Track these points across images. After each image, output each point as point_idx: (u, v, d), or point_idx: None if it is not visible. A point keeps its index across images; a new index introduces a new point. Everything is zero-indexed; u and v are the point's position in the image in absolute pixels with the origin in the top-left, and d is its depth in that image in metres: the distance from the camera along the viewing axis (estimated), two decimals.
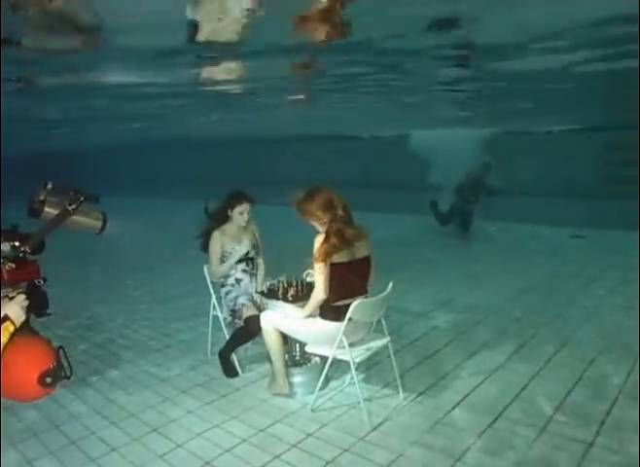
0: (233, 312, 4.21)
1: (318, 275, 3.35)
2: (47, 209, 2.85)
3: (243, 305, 4.14)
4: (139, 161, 18.96)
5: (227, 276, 4.27)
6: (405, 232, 10.80)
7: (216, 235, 4.20)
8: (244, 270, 4.30)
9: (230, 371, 4.23)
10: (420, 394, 3.82)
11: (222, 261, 4.23)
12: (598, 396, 3.71)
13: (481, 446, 3.16)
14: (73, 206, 2.84)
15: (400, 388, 3.79)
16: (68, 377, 3.24)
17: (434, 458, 3.04)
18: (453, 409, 3.60)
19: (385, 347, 3.77)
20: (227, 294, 4.29)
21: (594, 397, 3.70)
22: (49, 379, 3.11)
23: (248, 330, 4.00)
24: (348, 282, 3.41)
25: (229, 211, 4.21)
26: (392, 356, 3.79)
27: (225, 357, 4.23)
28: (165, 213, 13.38)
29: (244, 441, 3.28)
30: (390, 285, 3.58)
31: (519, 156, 11.40)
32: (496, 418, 3.45)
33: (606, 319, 5.31)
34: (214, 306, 4.42)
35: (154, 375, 4.32)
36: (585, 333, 4.95)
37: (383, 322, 3.71)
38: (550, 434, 3.25)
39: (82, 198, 2.87)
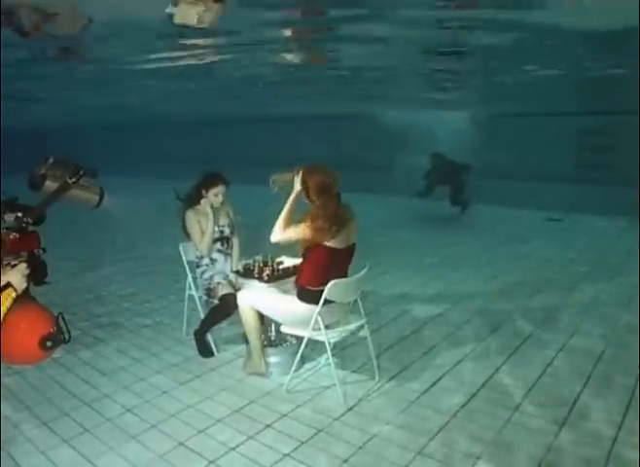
0: (209, 291, 4.18)
1: (294, 233, 3.36)
2: (47, 183, 2.94)
3: (218, 283, 4.12)
4: (118, 140, 18.64)
5: (201, 256, 4.22)
6: (382, 213, 10.83)
7: (191, 214, 4.14)
8: (219, 250, 4.26)
9: (205, 351, 4.21)
10: (396, 375, 3.84)
11: None
12: (570, 380, 3.77)
13: (455, 425, 3.19)
14: (73, 180, 2.93)
15: (376, 369, 3.80)
16: (67, 341, 3.33)
17: (408, 438, 3.06)
18: (428, 389, 3.62)
19: (361, 329, 3.77)
20: (202, 273, 4.25)
21: (565, 380, 3.76)
22: (49, 343, 3.22)
23: (223, 308, 3.99)
24: (336, 268, 3.40)
25: (203, 192, 4.16)
26: (368, 337, 3.80)
27: (200, 337, 4.20)
28: (144, 192, 13.25)
29: (218, 421, 3.26)
30: (366, 267, 3.58)
31: (497, 139, 11.45)
32: (470, 399, 3.49)
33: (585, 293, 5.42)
34: (190, 286, 4.38)
35: (128, 355, 4.28)
36: (563, 313, 5.02)
37: (360, 304, 3.71)
38: (523, 414, 3.30)
39: (81, 173, 2.96)
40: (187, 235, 4.22)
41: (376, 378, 3.76)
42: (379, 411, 3.37)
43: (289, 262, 3.87)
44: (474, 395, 3.54)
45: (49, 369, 3.99)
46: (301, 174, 3.45)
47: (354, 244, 3.52)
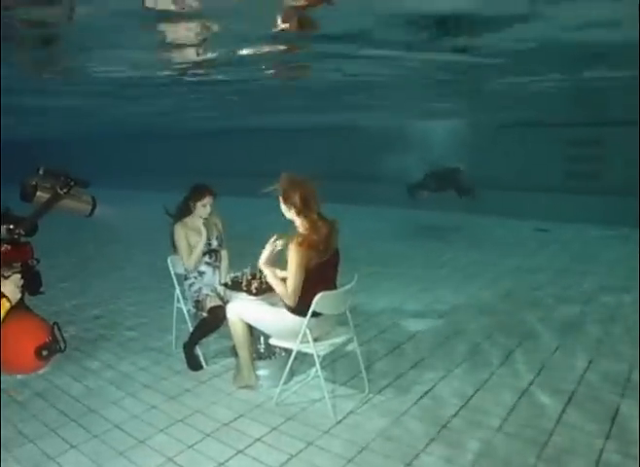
0: (197, 303, 4.17)
1: (293, 279, 3.30)
2: (39, 193, 2.97)
3: (207, 295, 4.11)
4: (104, 151, 18.59)
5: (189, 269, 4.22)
6: (374, 224, 10.87)
7: (179, 228, 4.14)
8: (207, 263, 4.26)
9: (194, 364, 4.19)
10: (385, 387, 3.84)
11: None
12: (556, 389, 3.79)
13: (445, 438, 3.18)
14: (64, 190, 2.97)
15: (365, 382, 3.79)
16: (62, 350, 3.29)
17: (398, 451, 3.05)
18: (418, 401, 3.62)
19: (351, 340, 3.77)
20: (190, 286, 4.24)
21: (553, 389, 3.77)
22: (45, 352, 3.34)
23: (212, 321, 3.98)
24: (322, 281, 3.39)
25: (191, 204, 4.16)
26: (357, 350, 3.79)
27: (189, 350, 4.18)
28: (133, 203, 13.20)
29: (207, 436, 3.24)
30: (355, 278, 3.58)
31: (486, 148, 11.53)
32: (459, 410, 3.49)
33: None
34: (178, 299, 4.37)
35: (116, 369, 4.24)
36: (547, 326, 5.04)
37: (349, 315, 3.70)
38: (512, 425, 3.30)
39: (72, 183, 3.00)
40: (175, 249, 4.21)
41: (366, 391, 3.75)
42: (369, 423, 3.36)
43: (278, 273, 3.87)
44: (463, 406, 3.54)
45: (34, 384, 3.94)
46: (282, 185, 3.43)
47: (337, 252, 3.51)
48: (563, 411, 3.46)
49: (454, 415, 3.42)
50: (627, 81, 6.01)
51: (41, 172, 3.02)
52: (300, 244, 3.28)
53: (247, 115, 11.17)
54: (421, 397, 3.68)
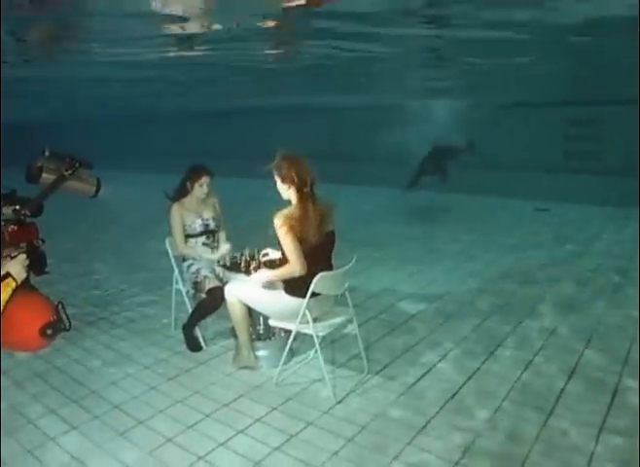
0: (196, 285, 4.15)
1: (289, 250, 3.26)
2: (44, 175, 3.02)
3: (205, 277, 4.10)
4: (105, 134, 18.48)
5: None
6: (371, 205, 10.84)
7: (175, 208, 4.13)
8: (205, 244, 4.25)
9: (193, 345, 4.19)
10: (385, 367, 3.84)
11: (184, 234, 4.19)
12: (555, 375, 3.79)
13: (444, 417, 3.20)
14: (69, 172, 3.03)
15: (365, 361, 3.80)
16: (67, 330, 3.34)
17: (397, 430, 3.06)
18: (417, 381, 3.63)
19: (350, 321, 3.76)
20: (188, 267, 4.23)
21: (550, 375, 3.78)
22: (50, 331, 3.46)
23: (211, 301, 3.98)
24: (317, 259, 3.36)
25: (188, 184, 4.14)
26: (357, 330, 3.79)
27: (188, 331, 4.18)
28: (133, 185, 13.16)
29: (207, 416, 3.25)
30: (353, 259, 3.56)
31: (487, 128, 11.46)
32: (459, 389, 3.50)
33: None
34: (177, 280, 4.35)
35: (116, 350, 4.24)
36: (546, 305, 5.05)
37: (347, 296, 3.69)
38: (515, 401, 3.32)
39: (77, 164, 3.06)
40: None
41: (365, 371, 3.75)
42: (369, 403, 3.37)
43: (274, 254, 3.85)
44: (462, 385, 3.55)
45: (34, 365, 3.95)
46: (277, 163, 3.40)
47: (333, 232, 3.49)
48: (563, 389, 3.47)
49: (454, 395, 3.43)
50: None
51: (46, 154, 3.06)
52: (289, 221, 3.25)
53: (245, 95, 11.05)
54: (421, 377, 3.69)
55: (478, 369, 3.79)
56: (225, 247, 4.29)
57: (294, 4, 3.82)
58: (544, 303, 5.07)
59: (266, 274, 3.47)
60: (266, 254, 3.82)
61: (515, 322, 4.59)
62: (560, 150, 11.11)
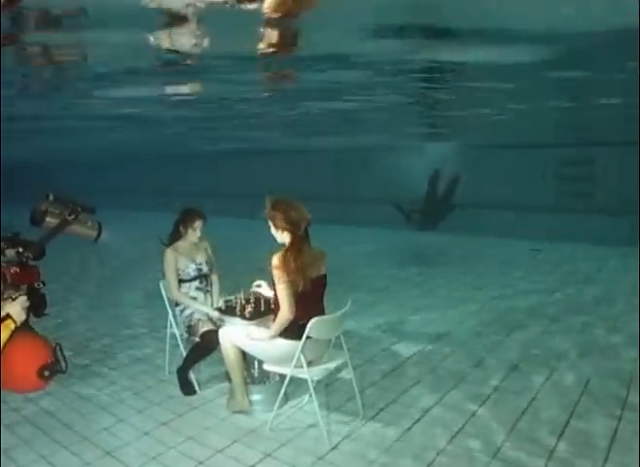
0: (189, 328, 4.15)
1: (283, 295, 3.31)
2: (48, 219, 3.13)
3: (199, 320, 4.10)
4: (98, 172, 18.65)
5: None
6: (367, 246, 10.89)
7: (169, 253, 4.16)
8: (198, 288, 4.27)
9: (187, 388, 4.15)
10: (380, 411, 3.81)
11: (177, 278, 4.21)
12: (555, 415, 3.77)
13: (442, 463, 3.16)
14: (72, 216, 3.14)
15: (360, 406, 3.77)
16: (64, 371, 3.36)
17: None
18: (412, 427, 3.60)
19: (345, 365, 3.75)
20: (182, 311, 4.23)
21: (547, 417, 3.76)
22: (47, 373, 3.47)
23: (205, 345, 3.97)
24: (309, 302, 3.39)
25: (181, 228, 4.18)
26: (352, 375, 3.77)
27: (183, 374, 4.15)
28: (134, 225, 13.20)
29: (201, 463, 3.20)
30: (349, 302, 3.58)
31: (478, 169, 11.64)
32: (454, 436, 3.47)
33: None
34: (170, 324, 4.34)
35: (109, 394, 4.19)
36: (545, 346, 5.03)
37: (342, 340, 3.69)
38: (509, 451, 3.28)
39: (80, 209, 3.17)
40: (164, 274, 4.23)
41: (360, 415, 3.72)
42: (364, 449, 3.33)
43: (266, 288, 3.88)
44: (458, 431, 3.52)
45: (25, 410, 3.90)
46: (268, 208, 3.44)
47: (325, 276, 3.52)
48: (561, 434, 3.44)
49: (450, 441, 3.40)
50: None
51: (51, 198, 3.16)
52: (284, 265, 3.29)
53: (240, 136, 11.23)
54: (416, 422, 3.66)
55: (474, 413, 3.76)
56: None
57: (269, 50, 3.94)
58: (536, 350, 5.07)
59: (264, 334, 3.48)
60: (259, 285, 3.85)
61: (507, 369, 4.56)
62: (552, 190, 11.24)
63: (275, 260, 3.32)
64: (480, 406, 3.86)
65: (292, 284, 3.29)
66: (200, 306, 4.17)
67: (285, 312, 3.32)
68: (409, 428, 3.57)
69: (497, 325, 5.71)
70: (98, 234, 3.41)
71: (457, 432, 3.50)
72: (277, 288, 3.31)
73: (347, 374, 3.86)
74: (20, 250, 3.14)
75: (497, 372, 4.46)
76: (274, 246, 3.46)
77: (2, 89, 4.95)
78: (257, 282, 3.90)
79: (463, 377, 4.38)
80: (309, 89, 5.74)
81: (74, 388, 4.29)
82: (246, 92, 6.04)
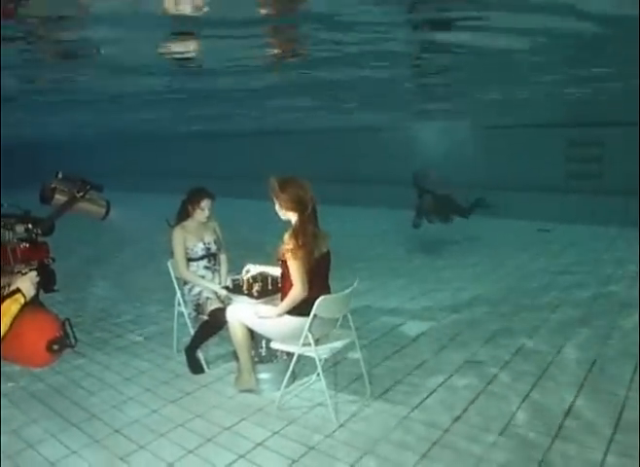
0: (198, 307, 4.16)
1: (295, 273, 3.30)
2: (57, 196, 3.18)
3: (207, 298, 4.10)
4: (115, 153, 18.62)
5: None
6: (374, 227, 10.84)
7: (177, 232, 4.15)
8: (206, 267, 4.26)
9: (195, 367, 4.17)
10: (387, 390, 3.82)
11: (186, 257, 4.20)
12: (565, 390, 3.76)
13: (448, 441, 3.16)
14: (80, 194, 3.19)
15: (367, 384, 3.77)
16: (73, 346, 3.46)
17: (400, 455, 3.03)
18: (420, 405, 3.60)
19: (352, 344, 3.75)
20: (190, 290, 4.23)
21: (559, 391, 3.75)
22: (56, 347, 3.35)
23: (213, 323, 3.97)
24: (316, 280, 3.38)
25: (189, 207, 4.16)
26: (359, 352, 3.77)
27: (191, 353, 4.17)
28: (146, 206, 13.20)
29: (209, 440, 3.22)
30: (356, 281, 3.56)
31: (490, 150, 11.52)
32: (462, 413, 3.47)
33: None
34: (179, 302, 4.35)
35: (117, 372, 4.23)
36: (551, 324, 5.02)
37: (350, 318, 3.68)
38: (515, 428, 3.28)
39: (88, 187, 3.22)
40: (172, 253, 4.22)
41: (368, 394, 3.73)
42: (371, 427, 3.34)
43: (255, 269, 3.87)
44: (465, 410, 3.52)
45: (34, 388, 3.94)
46: (273, 187, 3.42)
47: (329, 252, 3.52)
48: (568, 411, 3.44)
49: (457, 419, 3.40)
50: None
51: (59, 176, 3.22)
52: (297, 244, 3.28)
53: (244, 116, 11.14)
54: (424, 400, 3.66)
55: (481, 391, 3.76)
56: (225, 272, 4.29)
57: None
58: (545, 326, 5.05)
59: (274, 311, 3.47)
60: (248, 270, 3.84)
61: (516, 347, 4.54)
62: (562, 171, 11.13)
63: (287, 238, 3.31)
64: (486, 385, 3.86)
65: (303, 262, 3.28)
66: (208, 284, 4.17)
67: (298, 289, 3.31)
68: (417, 406, 3.57)
69: (506, 305, 5.68)
70: (106, 213, 3.43)
71: (464, 410, 3.50)
72: (290, 266, 3.30)
73: (354, 353, 3.84)
74: (30, 226, 3.16)
75: (505, 353, 4.44)
76: (279, 226, 3.44)
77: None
78: (246, 267, 3.88)
79: (470, 356, 4.37)
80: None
81: (82, 366, 4.33)
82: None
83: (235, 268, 4.17)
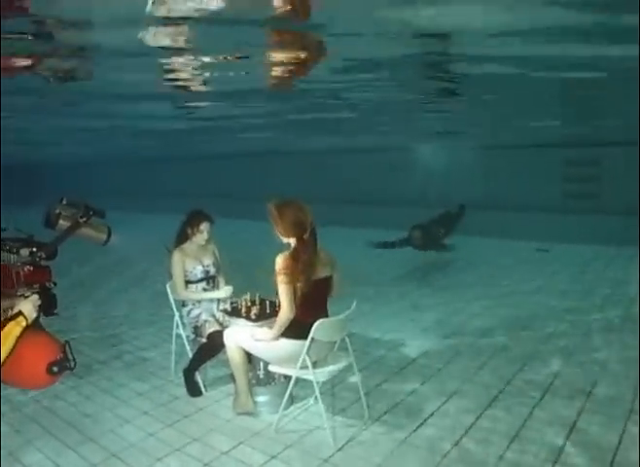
0: (196, 329, 4.16)
1: (283, 296, 3.32)
2: (61, 222, 3.29)
3: (206, 321, 4.11)
4: (115, 174, 18.69)
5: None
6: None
7: (176, 255, 4.17)
8: (205, 289, 4.27)
9: (193, 389, 4.16)
10: (385, 413, 3.80)
11: (185, 279, 4.21)
12: (560, 414, 3.75)
13: (447, 466, 3.15)
14: (84, 219, 3.30)
15: (365, 408, 3.76)
16: (72, 369, 3.55)
17: None
18: (417, 429, 3.58)
19: (350, 367, 3.74)
20: (189, 312, 4.24)
21: (552, 419, 3.74)
22: (55, 369, 3.45)
23: (211, 346, 3.97)
24: (313, 303, 3.39)
25: (189, 230, 4.19)
26: (357, 375, 3.76)
27: (189, 375, 4.16)
28: (146, 227, 13.23)
29: (206, 465, 3.20)
30: (353, 304, 3.57)
31: (485, 170, 11.59)
32: (461, 437, 3.45)
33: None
34: (177, 325, 4.35)
35: (115, 395, 4.21)
36: (548, 346, 5.01)
37: (347, 340, 3.68)
38: (514, 453, 3.27)
39: (91, 213, 3.32)
40: (170, 275, 4.23)
41: (366, 417, 3.71)
42: (369, 451, 3.33)
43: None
44: (464, 435, 3.50)
45: (30, 410, 3.92)
46: (271, 211, 3.43)
47: (330, 277, 3.51)
48: (562, 448, 3.43)
49: (455, 445, 3.38)
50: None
51: (64, 202, 3.31)
52: (288, 267, 3.29)
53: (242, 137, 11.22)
54: (421, 424, 3.64)
55: (480, 415, 3.75)
56: (226, 288, 4.29)
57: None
58: (544, 350, 5.04)
59: (268, 335, 3.47)
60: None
61: (515, 370, 4.53)
62: (558, 191, 11.17)
63: (278, 261, 3.32)
64: (486, 408, 3.84)
65: (294, 285, 3.30)
66: (209, 294, 4.19)
67: (285, 311, 3.33)
68: (414, 430, 3.55)
69: (503, 328, 5.68)
70: (107, 238, 3.50)
71: (463, 435, 3.49)
72: (279, 288, 3.31)
73: (352, 376, 3.83)
74: (34, 250, 3.23)
75: (504, 375, 4.43)
76: (279, 248, 3.46)
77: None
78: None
79: (469, 379, 4.36)
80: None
81: (80, 389, 4.31)
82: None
83: (234, 291, 4.18)
